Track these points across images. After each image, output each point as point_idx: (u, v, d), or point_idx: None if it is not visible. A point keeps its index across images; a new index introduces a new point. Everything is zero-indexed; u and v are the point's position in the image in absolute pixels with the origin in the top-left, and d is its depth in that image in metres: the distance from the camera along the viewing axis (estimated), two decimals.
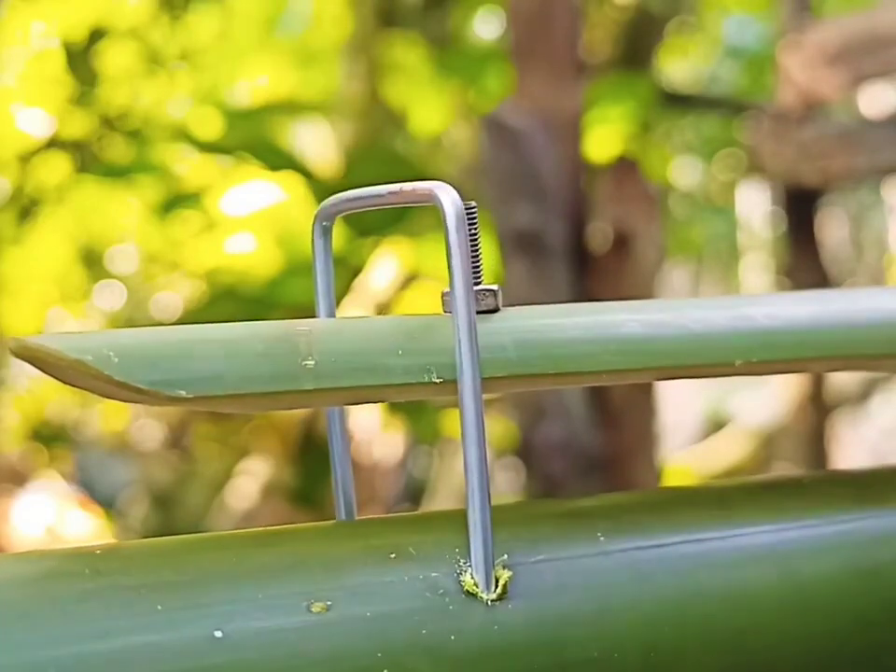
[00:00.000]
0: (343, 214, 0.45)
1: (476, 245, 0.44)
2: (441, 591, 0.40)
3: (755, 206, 4.28)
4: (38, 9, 3.11)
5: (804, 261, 2.50)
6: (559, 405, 1.55)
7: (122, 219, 3.18)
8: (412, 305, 2.44)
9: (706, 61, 4.24)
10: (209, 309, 2.37)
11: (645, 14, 3.20)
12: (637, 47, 3.13)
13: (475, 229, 0.44)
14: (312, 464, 2.53)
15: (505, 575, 0.41)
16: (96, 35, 2.98)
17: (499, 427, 2.47)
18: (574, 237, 1.60)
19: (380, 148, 2.59)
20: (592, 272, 1.62)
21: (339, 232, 2.29)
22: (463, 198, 0.44)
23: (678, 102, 3.20)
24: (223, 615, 0.37)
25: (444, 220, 0.41)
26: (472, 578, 0.41)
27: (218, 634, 0.37)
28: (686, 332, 0.45)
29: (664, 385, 1.87)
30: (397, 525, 0.44)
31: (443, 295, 0.43)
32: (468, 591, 0.40)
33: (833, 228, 3.56)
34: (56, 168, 3.00)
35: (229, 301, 2.35)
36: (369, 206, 0.44)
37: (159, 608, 0.37)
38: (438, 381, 0.41)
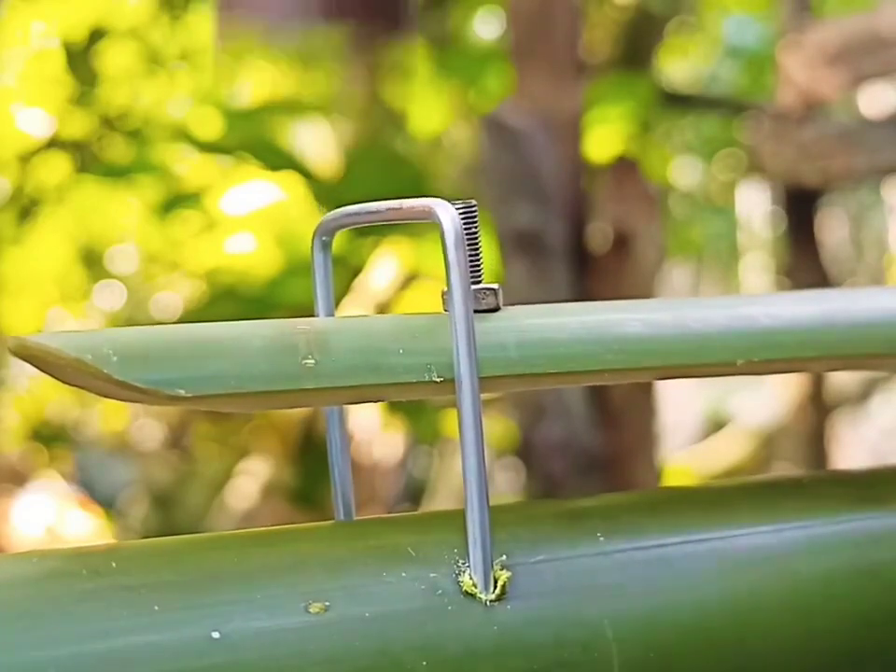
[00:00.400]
0: (343, 229, 0.45)
1: (476, 243, 0.44)
2: (440, 591, 0.40)
3: (755, 206, 4.28)
4: (38, 9, 3.11)
5: (804, 261, 2.50)
6: (559, 405, 1.55)
7: (122, 219, 3.18)
8: (412, 305, 2.44)
9: (706, 61, 4.24)
10: (209, 309, 2.37)
11: (645, 14, 3.20)
12: (637, 47, 3.13)
13: (475, 227, 0.44)
14: (312, 464, 2.53)
15: (504, 575, 0.41)
16: (96, 35, 2.98)
17: (499, 427, 2.47)
18: (574, 237, 1.60)
19: (380, 148, 2.59)
20: (592, 272, 1.62)
21: (339, 233, 2.28)
22: (462, 197, 0.44)
23: (678, 102, 3.20)
24: (221, 615, 0.37)
25: (443, 237, 0.41)
26: (471, 578, 0.41)
27: (216, 634, 0.37)
28: (687, 332, 0.45)
29: (664, 385, 1.86)
30: (395, 525, 0.44)
31: (443, 294, 0.43)
32: (466, 591, 0.40)
33: (833, 228, 3.56)
34: (56, 168, 3.00)
35: (229, 301, 2.35)
36: (368, 222, 0.44)
37: (157, 608, 0.37)
38: (438, 380, 0.41)
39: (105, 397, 0.39)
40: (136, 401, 0.39)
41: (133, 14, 3.11)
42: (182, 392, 0.38)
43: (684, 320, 0.46)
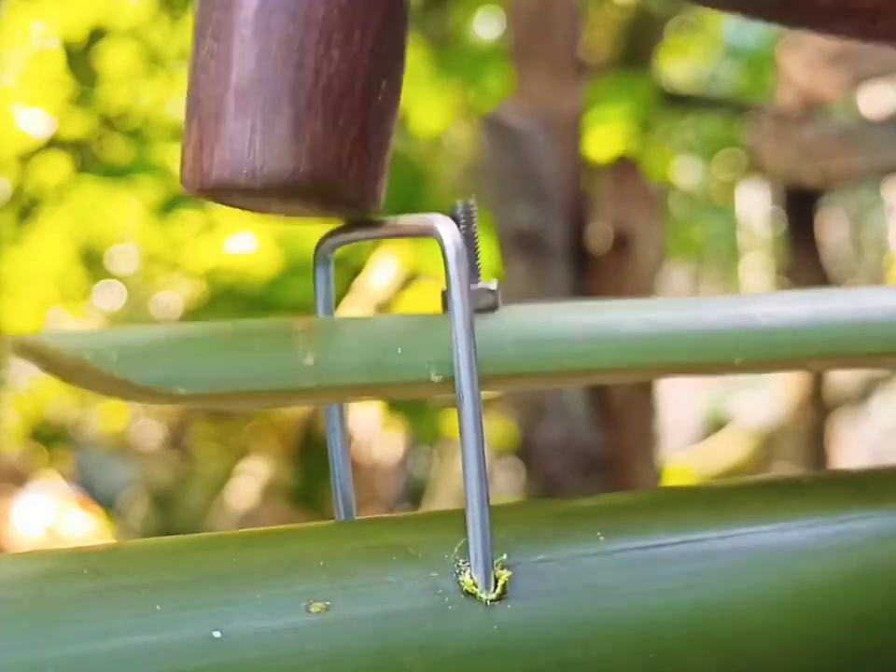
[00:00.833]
0: (345, 245, 0.45)
1: (475, 242, 0.44)
2: (441, 591, 0.40)
3: (755, 206, 4.28)
4: (38, 9, 3.11)
5: (804, 261, 2.50)
6: (559, 405, 1.55)
7: (122, 219, 3.18)
8: (412, 305, 2.44)
9: (706, 61, 4.24)
10: (209, 309, 2.37)
11: (645, 14, 3.20)
12: (637, 47, 3.13)
13: (475, 226, 0.44)
14: (312, 464, 2.53)
15: (504, 575, 0.41)
16: (96, 35, 2.98)
17: (499, 427, 2.47)
18: (574, 237, 1.61)
19: None
20: (592, 272, 1.62)
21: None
22: (461, 198, 0.44)
23: (678, 102, 3.20)
24: (222, 615, 0.37)
25: (444, 253, 0.41)
26: (471, 578, 0.41)
27: (217, 634, 0.37)
28: (686, 331, 0.45)
29: (664, 385, 1.86)
30: (396, 524, 0.44)
31: (443, 293, 0.43)
32: (467, 591, 0.40)
33: (832, 228, 3.56)
34: (56, 168, 3.00)
35: (229, 301, 2.35)
36: (370, 237, 0.44)
37: (157, 608, 0.37)
38: (437, 379, 0.41)
39: (106, 396, 0.39)
40: (136, 400, 0.39)
41: (133, 14, 3.11)
42: (181, 390, 0.38)
43: (684, 319, 0.46)
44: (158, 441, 3.36)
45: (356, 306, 2.40)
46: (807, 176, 2.32)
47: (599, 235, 1.62)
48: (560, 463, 1.56)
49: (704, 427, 3.91)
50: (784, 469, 2.78)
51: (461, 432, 0.41)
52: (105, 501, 3.06)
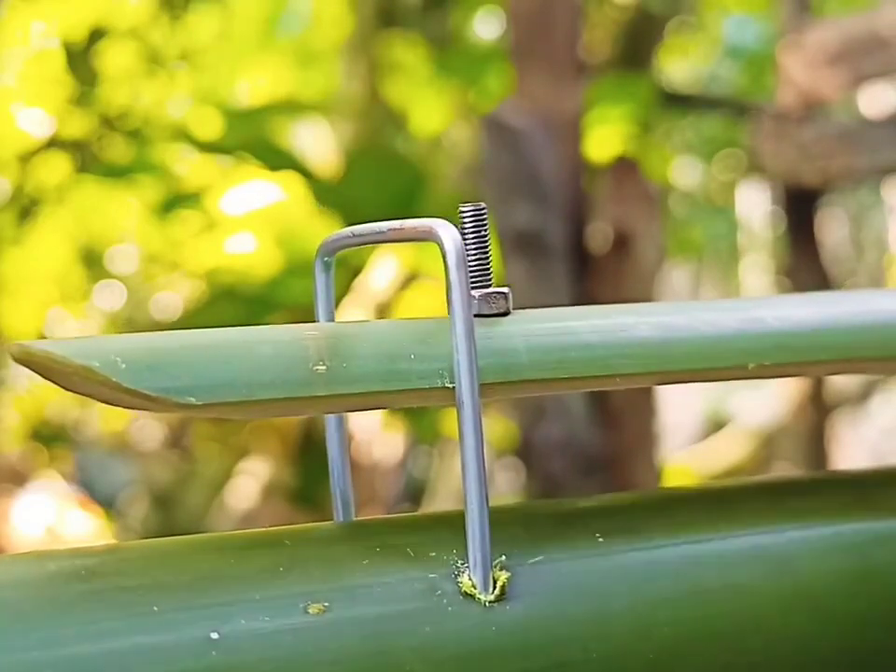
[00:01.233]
0: (345, 249, 0.45)
1: (485, 246, 0.44)
2: (439, 592, 0.40)
3: (755, 206, 4.28)
4: (38, 9, 3.11)
5: (804, 262, 2.50)
6: (559, 405, 1.55)
7: (122, 219, 3.18)
8: (412, 305, 2.44)
9: (705, 61, 4.24)
10: (209, 309, 2.37)
11: (645, 14, 3.20)
12: (637, 47, 3.13)
13: (485, 230, 0.44)
14: (312, 464, 2.53)
15: (503, 576, 0.41)
16: (96, 35, 2.98)
17: (499, 427, 2.47)
18: (574, 237, 1.60)
19: (380, 148, 2.59)
20: (592, 272, 1.62)
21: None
22: (468, 199, 0.44)
23: (678, 102, 3.20)
24: (220, 616, 0.37)
25: (444, 258, 0.41)
26: (470, 579, 0.41)
27: (215, 635, 0.37)
28: (698, 336, 0.45)
29: (664, 386, 1.86)
30: (394, 526, 0.44)
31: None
32: (466, 592, 0.40)
33: (833, 228, 3.56)
34: (56, 168, 3.00)
35: (229, 301, 2.35)
36: (370, 242, 0.44)
37: (155, 609, 0.37)
38: (451, 386, 0.41)
39: (112, 405, 0.39)
40: (145, 409, 0.38)
41: (132, 14, 3.11)
42: (192, 400, 0.37)
43: (694, 324, 0.45)
44: (158, 441, 3.36)
45: (356, 306, 2.40)
46: (807, 176, 2.32)
47: (599, 235, 1.62)
48: (560, 463, 1.56)
49: (704, 427, 3.91)
50: (784, 469, 2.78)
51: (461, 434, 0.41)
52: (105, 501, 3.05)
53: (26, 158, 3.00)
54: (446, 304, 0.43)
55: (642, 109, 2.60)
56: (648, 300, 1.59)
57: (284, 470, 2.66)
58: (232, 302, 2.33)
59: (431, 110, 2.73)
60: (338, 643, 0.38)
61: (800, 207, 2.51)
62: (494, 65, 2.48)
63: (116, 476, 3.20)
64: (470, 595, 0.40)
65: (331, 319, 0.45)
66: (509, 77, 1.74)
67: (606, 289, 1.58)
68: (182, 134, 2.52)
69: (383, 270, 2.46)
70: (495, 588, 0.41)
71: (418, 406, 0.43)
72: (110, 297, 3.47)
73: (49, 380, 0.38)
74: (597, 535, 0.43)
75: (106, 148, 2.93)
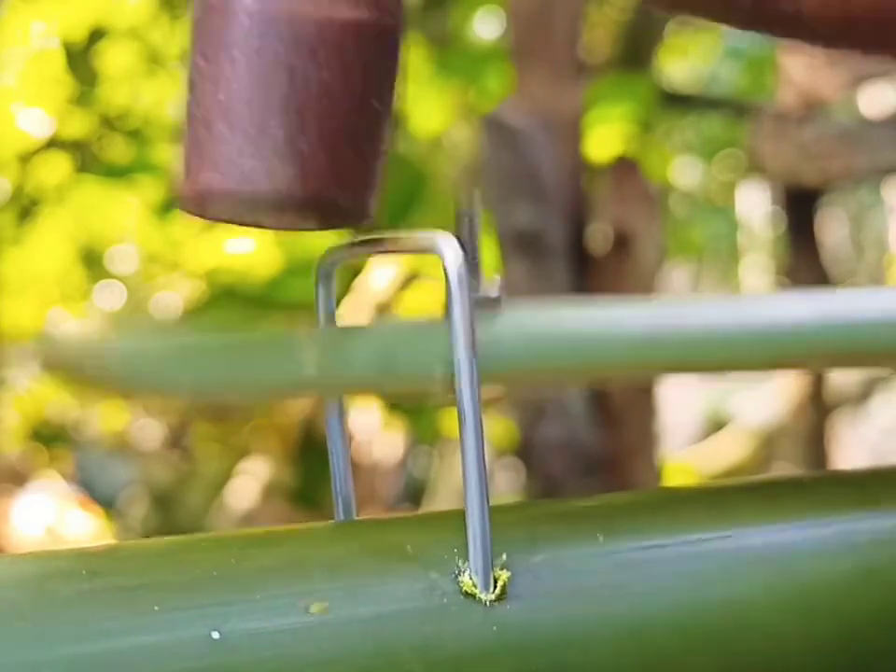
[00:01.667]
0: (346, 261, 0.45)
1: (477, 245, 0.44)
2: (440, 592, 0.40)
3: (755, 206, 4.28)
4: (38, 9, 3.11)
5: (804, 261, 2.50)
6: (559, 405, 1.55)
7: (122, 219, 3.18)
8: (412, 305, 2.44)
9: (706, 61, 4.24)
10: (209, 309, 2.37)
11: (645, 14, 3.19)
12: (637, 47, 3.13)
13: (476, 230, 0.44)
14: (312, 464, 2.53)
15: (504, 576, 0.41)
16: (96, 35, 2.98)
17: (499, 427, 2.47)
18: (574, 237, 1.60)
19: None
20: (592, 272, 1.62)
21: (340, 232, 2.29)
22: (462, 198, 0.44)
23: (678, 102, 3.20)
24: (220, 616, 0.37)
25: (446, 272, 0.41)
26: (471, 579, 0.41)
27: (216, 635, 0.37)
28: (689, 329, 0.45)
29: (664, 385, 1.86)
30: (395, 525, 0.44)
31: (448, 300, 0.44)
32: (466, 592, 0.40)
33: (832, 228, 3.56)
34: (56, 168, 3.00)
35: (229, 300, 2.35)
36: (372, 254, 0.44)
37: (156, 608, 0.37)
38: (443, 380, 0.41)
39: (116, 399, 0.39)
40: (149, 404, 0.39)
41: (133, 14, 3.11)
42: (186, 392, 0.38)
43: (686, 318, 0.46)
44: (158, 441, 3.36)
45: (356, 306, 2.40)
46: (807, 176, 2.32)
47: (599, 235, 1.62)
48: (560, 463, 1.56)
49: (704, 426, 3.91)
50: (784, 468, 2.78)
51: (461, 435, 0.41)
52: (105, 501, 3.05)
53: (26, 158, 3.00)
54: (445, 314, 0.43)
55: (642, 109, 2.60)
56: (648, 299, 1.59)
57: (284, 470, 2.66)
58: (233, 302, 2.33)
59: (431, 110, 2.73)
60: (339, 643, 0.38)
61: (800, 207, 2.51)
62: (494, 65, 2.48)
63: (116, 476, 3.20)
64: (471, 595, 0.40)
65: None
66: (509, 76, 1.74)
67: (606, 289, 1.59)
68: None
69: (382, 270, 2.46)
70: (495, 588, 0.41)
71: (416, 400, 0.44)
72: (110, 297, 3.47)
73: (49, 375, 0.38)
74: (598, 535, 0.43)
75: (107, 148, 2.93)
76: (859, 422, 3.74)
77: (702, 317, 0.46)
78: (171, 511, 2.89)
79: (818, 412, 2.50)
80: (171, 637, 0.37)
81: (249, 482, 2.79)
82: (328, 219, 0.43)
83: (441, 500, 2.79)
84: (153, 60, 3.09)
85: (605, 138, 2.41)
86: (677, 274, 4.78)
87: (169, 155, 2.53)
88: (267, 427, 2.72)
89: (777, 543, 0.46)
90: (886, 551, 0.47)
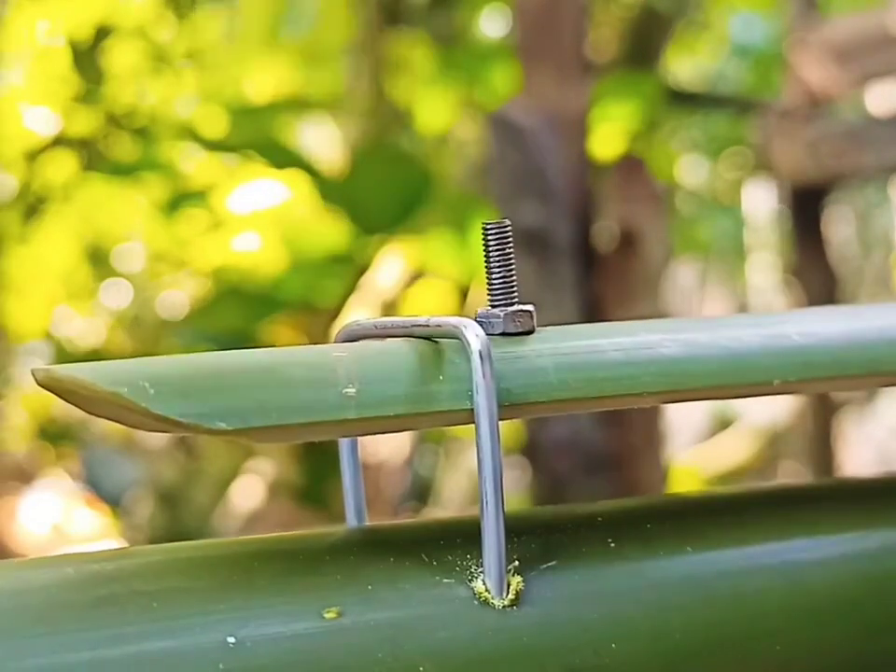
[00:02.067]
0: (364, 339, 0.44)
1: (510, 263, 0.44)
2: (454, 597, 0.40)
3: (762, 205, 4.28)
4: (44, 7, 3.11)
5: (810, 260, 2.50)
6: None
7: (129, 217, 3.18)
8: (418, 303, 2.44)
9: (713, 59, 4.24)
10: (215, 307, 2.37)
11: (651, 12, 3.19)
12: (644, 45, 3.13)
13: (509, 247, 0.44)
14: (318, 463, 2.53)
15: (517, 581, 0.41)
16: (102, 34, 2.98)
17: (506, 426, 2.47)
18: (580, 236, 1.60)
19: (386, 147, 2.59)
20: (598, 270, 1.61)
21: (345, 230, 2.29)
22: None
23: (684, 100, 3.20)
24: (236, 621, 0.37)
25: (470, 356, 0.41)
26: (484, 584, 0.41)
27: (231, 640, 0.37)
28: (724, 352, 0.45)
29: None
30: (409, 531, 0.44)
31: (477, 316, 0.43)
32: (480, 597, 0.40)
33: (839, 226, 3.56)
34: (62, 166, 3.01)
35: (235, 299, 2.35)
36: (391, 335, 0.43)
37: (172, 613, 0.37)
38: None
39: (139, 429, 0.38)
40: (173, 433, 0.38)
41: (138, 12, 3.11)
42: (223, 426, 0.37)
43: (719, 340, 0.45)
44: (164, 440, 3.36)
45: (362, 304, 2.40)
46: (814, 175, 2.32)
47: (606, 234, 1.61)
48: (566, 462, 1.56)
49: (710, 425, 3.91)
50: (790, 468, 2.78)
51: (478, 443, 0.41)
52: (112, 499, 3.06)
53: (32, 156, 3.00)
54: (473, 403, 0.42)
55: (649, 107, 2.60)
56: (654, 298, 1.59)
57: (290, 469, 2.66)
58: (238, 301, 2.33)
59: (437, 108, 2.73)
60: (353, 648, 0.38)
61: (807, 205, 2.51)
62: (500, 64, 2.48)
63: (122, 474, 3.20)
64: (484, 600, 0.40)
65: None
66: (515, 75, 1.74)
67: (612, 288, 1.58)
68: (188, 133, 2.53)
69: (389, 268, 2.46)
70: (509, 593, 0.41)
71: (447, 427, 0.43)
72: (117, 295, 3.47)
73: (73, 404, 0.37)
74: (610, 541, 0.43)
75: (113, 147, 2.93)
76: (865, 421, 3.73)
77: (737, 338, 0.46)
78: (177, 510, 2.89)
79: (824, 411, 2.49)
80: (187, 643, 0.37)
81: (255, 480, 2.79)
82: None
83: (447, 499, 2.79)
84: (159, 58, 3.10)
85: (611, 136, 2.41)
86: (683, 273, 4.78)
87: (175, 153, 2.53)
88: None
89: (787, 551, 0.46)
90: (894, 562, 0.47)
